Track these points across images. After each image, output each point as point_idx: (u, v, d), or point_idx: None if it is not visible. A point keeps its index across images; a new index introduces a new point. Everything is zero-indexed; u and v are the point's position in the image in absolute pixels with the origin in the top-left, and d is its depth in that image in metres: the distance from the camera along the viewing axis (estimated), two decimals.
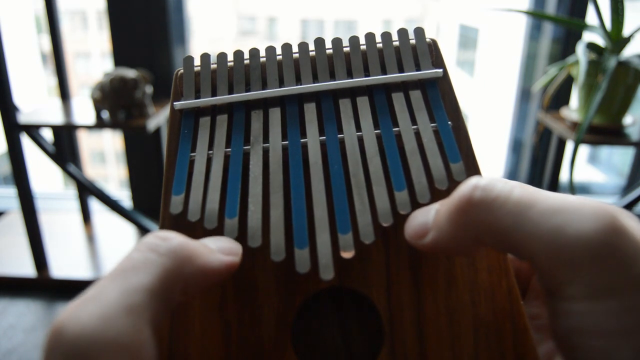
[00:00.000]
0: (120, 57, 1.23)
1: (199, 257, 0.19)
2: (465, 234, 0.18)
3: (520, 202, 0.17)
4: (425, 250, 0.20)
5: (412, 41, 0.26)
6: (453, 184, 0.23)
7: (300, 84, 0.25)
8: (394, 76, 0.25)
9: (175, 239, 0.18)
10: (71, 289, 1.19)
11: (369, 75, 0.25)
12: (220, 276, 0.19)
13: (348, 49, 0.26)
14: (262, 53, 0.26)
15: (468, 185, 0.18)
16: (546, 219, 0.16)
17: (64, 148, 1.25)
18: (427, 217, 0.20)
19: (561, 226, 0.16)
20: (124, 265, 0.17)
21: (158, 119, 1.09)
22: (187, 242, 0.19)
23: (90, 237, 1.38)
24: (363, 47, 0.26)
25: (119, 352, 0.15)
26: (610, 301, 0.15)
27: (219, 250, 0.20)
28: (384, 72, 0.26)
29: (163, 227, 0.24)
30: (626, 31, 0.92)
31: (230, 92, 0.26)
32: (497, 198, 0.17)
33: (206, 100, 0.25)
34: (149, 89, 1.07)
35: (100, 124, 1.05)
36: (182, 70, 0.26)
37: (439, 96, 0.25)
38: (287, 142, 0.24)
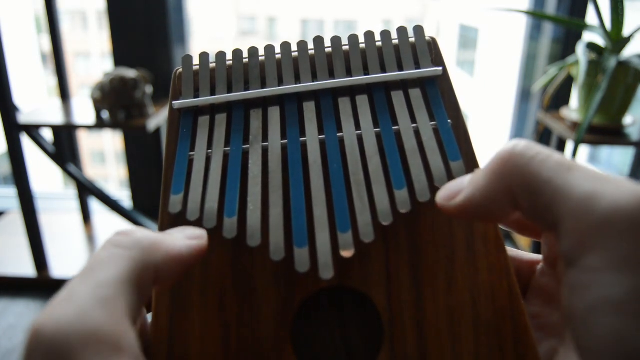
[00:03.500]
0: (120, 57, 1.23)
1: (163, 244, 0.19)
2: (501, 185, 0.18)
3: (560, 163, 0.17)
4: (454, 212, 0.20)
5: (412, 39, 0.26)
6: None
7: (300, 83, 0.25)
8: (393, 74, 0.25)
9: (138, 232, 0.19)
10: None
11: (368, 74, 0.25)
12: (189, 261, 0.20)
13: (347, 47, 0.26)
14: (261, 52, 0.26)
15: (511, 142, 0.18)
16: (584, 183, 0.16)
17: (64, 148, 1.25)
18: (462, 182, 0.20)
19: (597, 192, 0.16)
20: (91, 263, 0.18)
21: (158, 119, 1.09)
22: (150, 233, 0.19)
23: (90, 237, 1.38)
24: (362, 46, 0.26)
25: (98, 344, 0.15)
26: (635, 276, 0.15)
27: (184, 236, 0.20)
28: (384, 70, 0.25)
29: (162, 226, 0.23)
30: (626, 31, 0.92)
31: (229, 91, 0.25)
32: (539, 154, 0.18)
33: (205, 100, 0.25)
34: (149, 89, 1.07)
35: (100, 124, 1.05)
36: (180, 70, 0.26)
37: (439, 94, 0.25)
38: (286, 141, 0.24)
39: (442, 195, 0.20)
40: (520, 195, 0.18)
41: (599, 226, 0.15)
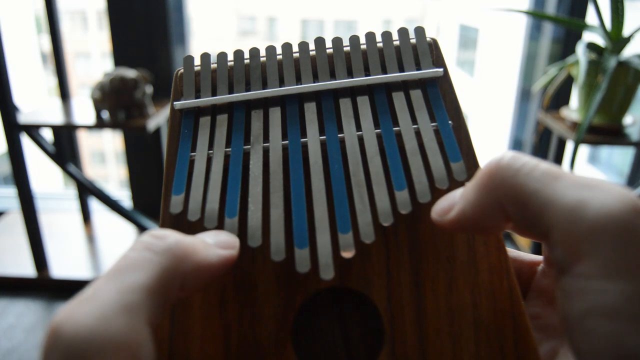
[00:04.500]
0: (120, 57, 1.23)
1: (195, 253, 0.18)
2: (490, 199, 0.18)
3: (546, 173, 0.17)
4: (449, 227, 0.20)
5: (413, 40, 0.26)
6: (454, 183, 0.23)
7: (301, 84, 0.25)
8: (394, 75, 0.25)
9: (171, 237, 0.18)
10: (71, 289, 1.19)
11: (369, 75, 0.25)
12: (219, 270, 0.19)
13: (348, 48, 0.26)
14: (263, 53, 0.26)
15: (496, 154, 0.19)
16: (571, 191, 0.16)
17: (64, 148, 1.25)
18: (454, 196, 0.20)
19: (585, 199, 0.16)
20: (120, 264, 0.17)
21: (158, 119, 1.09)
22: (183, 239, 0.19)
23: (90, 237, 1.38)
24: (363, 47, 0.26)
25: (116, 351, 0.15)
26: (627, 282, 0.15)
27: (216, 244, 0.20)
28: (385, 71, 0.25)
29: (163, 226, 0.23)
30: (626, 31, 0.92)
31: (231, 91, 0.25)
32: (525, 165, 0.18)
33: (206, 100, 0.25)
34: (149, 89, 1.07)
35: (100, 124, 1.05)
36: (182, 70, 0.26)
37: (440, 95, 0.25)
38: (287, 141, 0.24)
39: (436, 211, 0.21)
40: (510, 207, 0.18)
41: (588, 234, 0.15)
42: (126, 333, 0.15)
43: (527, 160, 0.18)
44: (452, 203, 0.20)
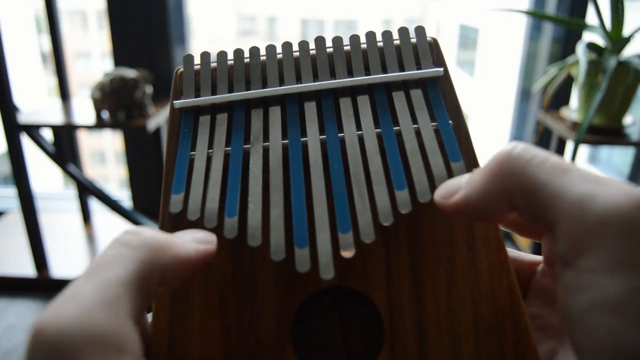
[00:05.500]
0: (120, 57, 1.23)
1: (173, 247, 0.19)
2: (497, 187, 0.18)
3: (556, 166, 0.17)
4: (451, 211, 0.20)
5: (413, 40, 0.26)
6: None
7: (301, 83, 0.25)
8: (394, 75, 0.25)
9: (146, 232, 0.19)
10: None
11: (369, 74, 0.25)
12: (197, 264, 0.19)
13: (348, 47, 0.26)
14: (263, 52, 0.26)
15: (508, 144, 0.19)
16: (579, 185, 0.16)
17: (64, 148, 1.25)
18: (460, 181, 0.20)
19: (593, 193, 0.16)
20: (97, 262, 0.17)
21: (158, 119, 1.09)
22: (158, 233, 0.19)
23: (90, 237, 1.38)
24: (364, 46, 0.26)
25: (100, 345, 0.15)
26: (631, 278, 0.15)
27: (193, 240, 0.20)
28: (385, 70, 0.25)
29: (163, 226, 0.23)
30: (626, 31, 0.92)
31: (231, 90, 0.25)
32: (535, 157, 0.18)
33: (206, 99, 0.25)
34: (149, 89, 1.07)
35: (100, 124, 1.05)
36: (182, 69, 0.26)
37: (440, 95, 0.25)
38: (287, 141, 0.24)
39: (440, 193, 0.21)
40: (517, 197, 0.18)
41: (594, 228, 0.15)
42: (109, 326, 0.15)
43: (538, 153, 0.18)
44: (457, 187, 0.20)
